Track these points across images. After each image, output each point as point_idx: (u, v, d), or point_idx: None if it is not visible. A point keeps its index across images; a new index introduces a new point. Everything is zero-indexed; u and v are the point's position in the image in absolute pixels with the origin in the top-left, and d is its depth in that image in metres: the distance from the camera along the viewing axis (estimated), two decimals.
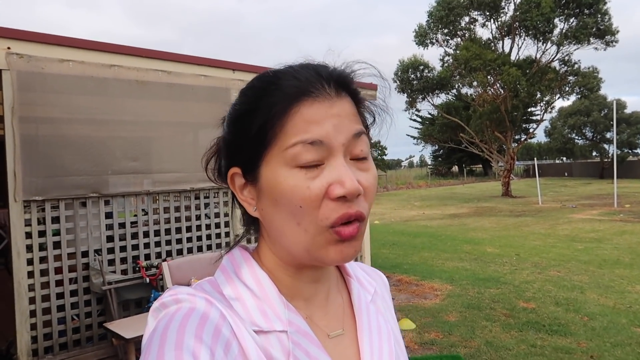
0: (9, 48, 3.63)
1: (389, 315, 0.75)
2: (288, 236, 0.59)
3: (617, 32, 21.09)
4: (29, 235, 3.84)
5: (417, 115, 34.32)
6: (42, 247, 3.92)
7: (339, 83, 0.59)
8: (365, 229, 0.60)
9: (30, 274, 3.84)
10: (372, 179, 0.59)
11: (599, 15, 20.77)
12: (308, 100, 0.57)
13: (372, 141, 0.67)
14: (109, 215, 4.32)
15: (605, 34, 21.05)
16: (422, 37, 23.90)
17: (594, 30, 20.85)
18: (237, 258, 0.65)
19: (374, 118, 0.67)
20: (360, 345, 0.65)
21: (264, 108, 0.58)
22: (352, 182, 0.55)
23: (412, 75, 25.14)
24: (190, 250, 4.83)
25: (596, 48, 21.68)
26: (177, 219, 4.77)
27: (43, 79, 3.85)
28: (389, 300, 0.79)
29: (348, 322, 0.67)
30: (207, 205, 5.00)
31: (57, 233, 4.03)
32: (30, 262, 3.84)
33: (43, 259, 3.93)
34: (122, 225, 4.40)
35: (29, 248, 3.85)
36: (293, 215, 0.56)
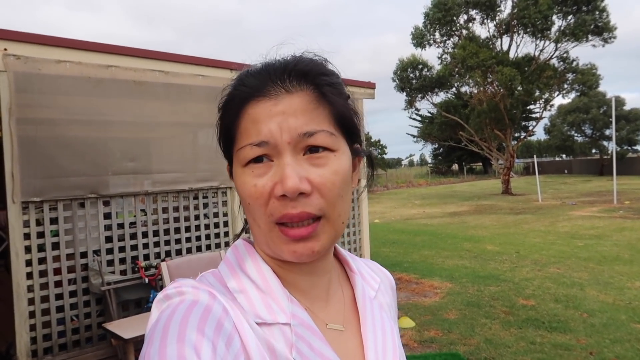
0: (5, 49, 3.63)
1: (390, 314, 0.74)
2: (252, 230, 0.62)
3: (615, 28, 21.08)
4: (27, 236, 3.84)
5: (416, 114, 34.29)
6: (41, 248, 3.92)
7: (292, 78, 0.59)
8: (331, 227, 0.59)
9: (29, 275, 3.85)
10: (328, 174, 0.57)
11: (597, 12, 20.75)
12: (253, 101, 0.59)
13: (353, 132, 0.63)
14: (107, 216, 4.32)
15: (603, 31, 21.03)
16: (420, 39, 23.89)
17: (592, 27, 20.84)
18: (241, 251, 0.66)
19: (355, 110, 0.64)
20: (364, 340, 0.65)
21: (224, 112, 0.63)
22: (291, 181, 0.54)
23: (411, 75, 25.15)
24: (189, 251, 4.83)
25: (594, 45, 21.68)
26: (176, 219, 4.77)
27: (40, 80, 3.85)
28: (393, 302, 0.79)
29: (349, 317, 0.67)
30: (205, 205, 5.00)
31: (55, 234, 4.03)
32: (29, 263, 3.85)
33: (42, 260, 3.93)
34: (120, 226, 4.40)
35: (28, 249, 3.85)
36: (248, 211, 0.60)
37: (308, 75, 0.59)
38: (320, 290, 0.66)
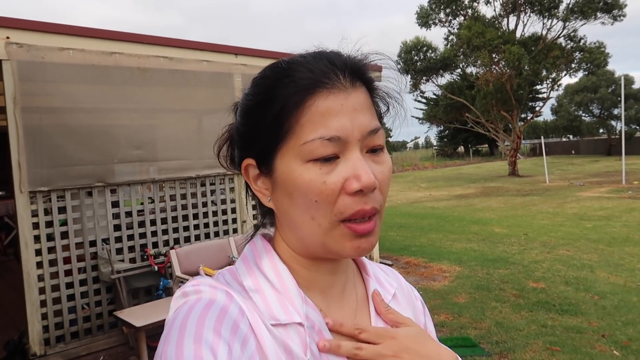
0: (8, 38, 3.58)
1: (411, 314, 0.73)
2: (303, 229, 0.59)
3: (625, 5, 20.68)
4: (36, 226, 3.85)
5: (421, 96, 34.03)
6: (50, 237, 3.93)
7: (353, 73, 0.58)
8: (381, 221, 0.60)
9: (39, 265, 3.86)
10: (387, 171, 0.59)
11: None
12: (323, 92, 0.55)
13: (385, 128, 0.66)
14: (115, 204, 4.32)
15: (612, 8, 20.63)
16: (424, 18, 23.58)
17: (600, 4, 20.45)
18: (258, 247, 0.65)
19: (388, 107, 0.65)
20: None
21: (277, 100, 0.56)
22: (368, 176, 0.54)
23: (415, 57, 24.87)
24: (197, 238, 4.82)
25: (603, 23, 21.28)
26: (184, 207, 4.76)
27: (44, 69, 3.81)
28: (416, 310, 0.77)
29: (362, 319, 0.66)
30: (213, 192, 4.98)
31: (64, 223, 4.03)
32: (38, 252, 3.86)
33: (51, 249, 3.94)
34: (129, 214, 4.40)
35: (37, 239, 3.86)
36: (307, 209, 0.56)
37: (365, 73, 0.60)
38: (338, 289, 0.66)
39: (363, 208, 0.55)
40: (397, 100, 0.65)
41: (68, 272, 4.02)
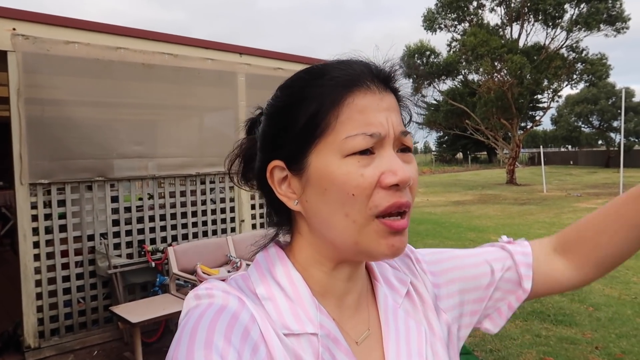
0: (14, 29, 3.58)
1: (426, 313, 0.70)
2: (336, 228, 0.58)
3: (629, 19, 20.77)
4: (35, 218, 3.84)
5: (422, 101, 34.06)
6: (48, 230, 3.92)
7: (385, 79, 0.61)
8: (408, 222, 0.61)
9: (37, 257, 3.86)
10: (414, 171, 0.60)
11: (610, 1, 20.43)
12: (361, 91, 0.58)
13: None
14: (114, 199, 4.31)
15: (616, 20, 20.73)
16: (431, 22, 23.65)
17: (604, 16, 20.54)
18: (271, 255, 0.64)
19: (410, 117, 0.67)
20: (386, 352, 0.64)
21: (314, 98, 0.58)
22: (404, 171, 0.56)
23: (418, 61, 24.92)
24: (195, 235, 4.82)
25: (606, 35, 21.37)
26: (183, 204, 4.76)
27: (48, 61, 3.81)
28: (427, 282, 0.73)
29: (374, 325, 0.66)
30: (212, 190, 4.98)
31: (63, 216, 4.02)
32: (36, 245, 3.85)
33: (49, 242, 3.94)
34: (127, 209, 4.40)
35: (35, 231, 3.85)
36: (342, 205, 0.56)
37: (394, 82, 0.63)
38: (352, 297, 0.65)
39: (399, 200, 0.56)
40: (420, 107, 0.67)
41: (65, 266, 4.02)
